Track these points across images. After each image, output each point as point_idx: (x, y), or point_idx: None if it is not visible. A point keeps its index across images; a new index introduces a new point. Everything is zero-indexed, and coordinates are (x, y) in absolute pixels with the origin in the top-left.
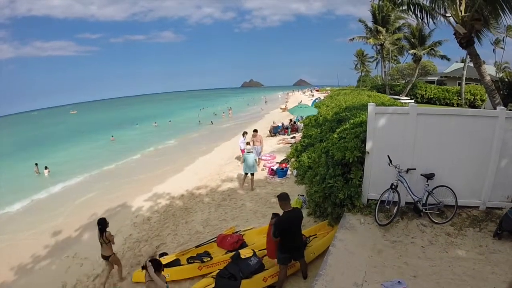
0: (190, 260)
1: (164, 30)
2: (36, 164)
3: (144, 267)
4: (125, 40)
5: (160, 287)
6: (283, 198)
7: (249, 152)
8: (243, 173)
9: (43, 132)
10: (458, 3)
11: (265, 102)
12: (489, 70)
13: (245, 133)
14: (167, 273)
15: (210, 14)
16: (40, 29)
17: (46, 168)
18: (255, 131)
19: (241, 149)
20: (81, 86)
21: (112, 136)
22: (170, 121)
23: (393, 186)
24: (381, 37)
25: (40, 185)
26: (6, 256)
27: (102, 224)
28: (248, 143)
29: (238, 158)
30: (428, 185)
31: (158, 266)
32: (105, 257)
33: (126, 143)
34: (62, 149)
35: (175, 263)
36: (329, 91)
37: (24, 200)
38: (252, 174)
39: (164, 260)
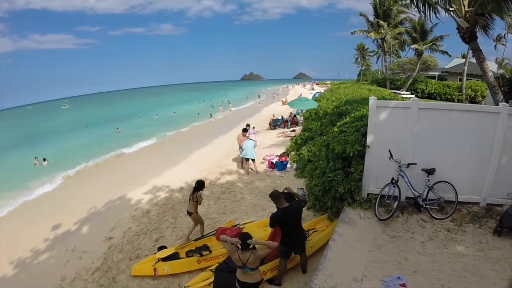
0: (189, 254)
1: (164, 23)
2: (36, 157)
3: (244, 245)
4: (124, 32)
5: (271, 245)
6: (275, 197)
7: (250, 139)
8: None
9: (42, 126)
10: None
11: (258, 96)
12: (490, 66)
13: (248, 126)
14: (166, 266)
15: (210, 6)
16: (39, 22)
17: (44, 160)
18: (247, 126)
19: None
20: (79, 79)
21: (118, 128)
22: (174, 112)
23: (394, 181)
24: (382, 31)
25: (39, 177)
26: (5, 249)
27: (199, 184)
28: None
29: (237, 150)
30: (428, 180)
31: (248, 237)
32: (189, 213)
33: (129, 135)
34: (64, 141)
35: (174, 256)
36: (329, 85)
37: (23, 193)
38: (253, 160)
39: (163, 254)
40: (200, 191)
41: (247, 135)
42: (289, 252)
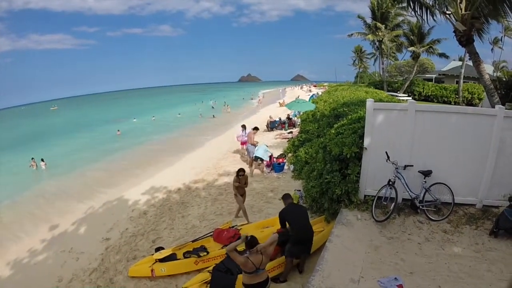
0: (186, 255)
1: (162, 24)
2: (33, 158)
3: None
4: (122, 33)
5: (274, 238)
6: (283, 197)
7: (265, 145)
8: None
9: (34, 127)
10: (458, 1)
11: (251, 98)
12: (487, 69)
13: (243, 126)
14: (163, 267)
15: (208, 8)
16: (37, 22)
17: (42, 160)
18: (243, 126)
19: (241, 142)
20: (77, 80)
21: (118, 130)
22: (179, 114)
23: (391, 183)
24: (380, 34)
25: (36, 179)
26: (2, 251)
27: (239, 171)
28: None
29: (236, 151)
30: (425, 182)
31: (256, 241)
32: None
33: (127, 137)
34: (60, 143)
35: (172, 257)
36: (326, 87)
37: (20, 194)
38: (262, 161)
39: (161, 255)
40: (235, 176)
41: (240, 135)
42: (298, 251)
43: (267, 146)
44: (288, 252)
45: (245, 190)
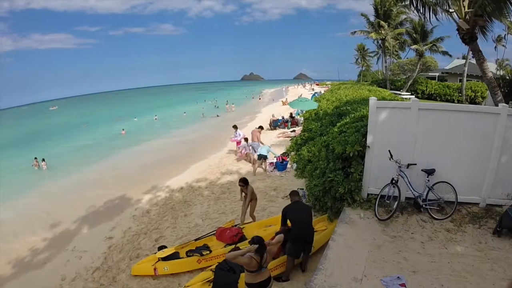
0: (189, 253)
1: (164, 23)
2: (35, 158)
3: (262, 249)
4: (124, 32)
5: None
6: (291, 194)
7: (267, 146)
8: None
9: (40, 127)
10: None
11: (252, 97)
12: (491, 67)
13: (235, 127)
14: (166, 265)
15: (210, 7)
16: (39, 22)
17: (43, 160)
18: (234, 127)
19: (236, 142)
20: (79, 79)
21: (123, 130)
22: (184, 113)
23: (394, 181)
24: (383, 32)
25: (38, 178)
26: (4, 250)
27: (239, 182)
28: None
29: (236, 151)
30: (428, 180)
31: (262, 240)
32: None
33: (132, 137)
34: (61, 143)
35: (174, 256)
36: (329, 85)
37: (22, 194)
38: (265, 159)
39: (163, 254)
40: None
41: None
42: (299, 250)
43: (269, 146)
44: (288, 251)
45: (255, 196)
